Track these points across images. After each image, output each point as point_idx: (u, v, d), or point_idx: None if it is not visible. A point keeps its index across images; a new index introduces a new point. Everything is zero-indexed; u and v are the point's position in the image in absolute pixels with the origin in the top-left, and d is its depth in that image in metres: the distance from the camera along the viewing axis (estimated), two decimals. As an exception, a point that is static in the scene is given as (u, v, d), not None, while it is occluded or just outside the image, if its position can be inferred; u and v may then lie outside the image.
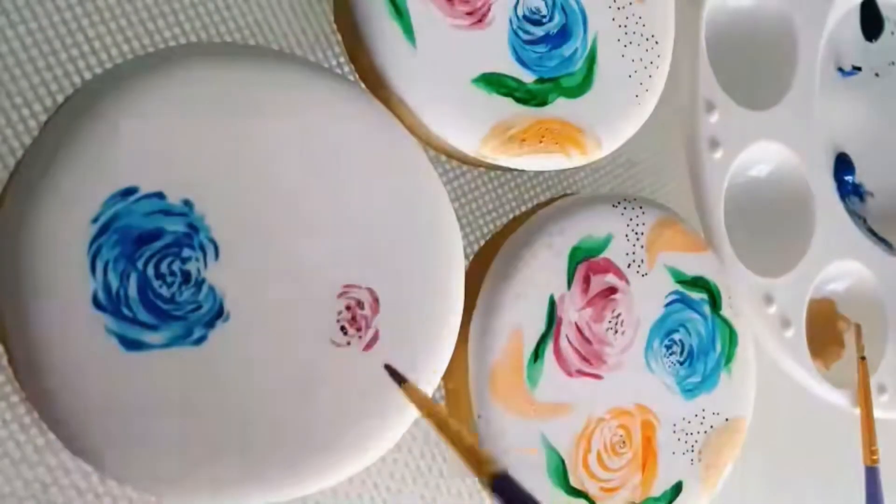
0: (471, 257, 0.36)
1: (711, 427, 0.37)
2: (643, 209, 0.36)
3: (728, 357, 0.37)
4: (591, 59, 0.35)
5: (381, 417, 0.29)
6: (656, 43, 0.36)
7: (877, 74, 0.52)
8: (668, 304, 0.36)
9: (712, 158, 0.42)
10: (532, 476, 0.33)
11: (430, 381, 0.30)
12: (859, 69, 0.51)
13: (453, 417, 0.35)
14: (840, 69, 0.51)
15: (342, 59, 0.33)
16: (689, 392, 0.36)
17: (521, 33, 0.33)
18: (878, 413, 0.43)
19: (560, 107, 0.34)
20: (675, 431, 0.36)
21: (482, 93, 0.32)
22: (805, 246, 0.45)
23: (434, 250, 0.30)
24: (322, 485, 0.28)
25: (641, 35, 0.36)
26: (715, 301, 0.37)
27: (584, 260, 0.34)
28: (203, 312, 0.26)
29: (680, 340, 0.36)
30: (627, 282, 0.35)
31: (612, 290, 0.35)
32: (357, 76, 0.33)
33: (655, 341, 0.36)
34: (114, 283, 0.25)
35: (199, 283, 0.26)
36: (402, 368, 0.29)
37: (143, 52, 0.30)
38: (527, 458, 0.33)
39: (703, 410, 0.37)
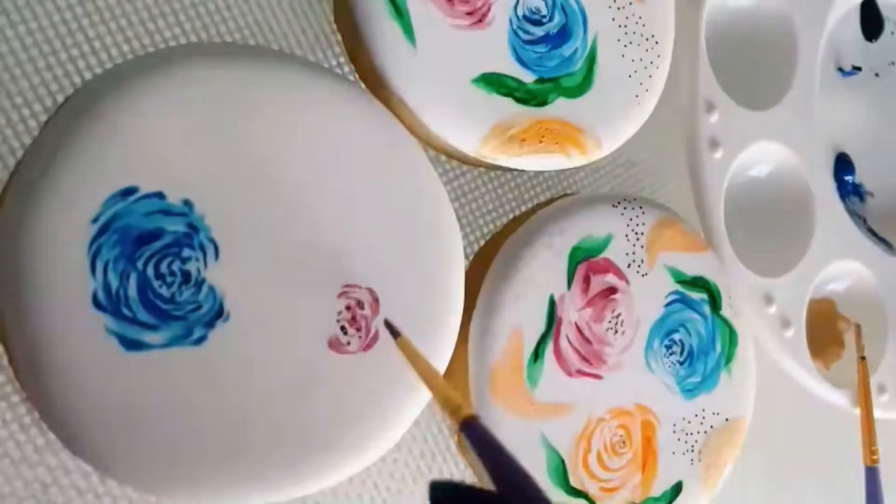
0: (471, 257, 0.36)
1: (711, 427, 0.37)
2: (643, 209, 0.36)
3: (728, 357, 0.37)
4: (591, 59, 0.35)
5: (381, 418, 0.29)
6: (656, 43, 0.36)
7: (877, 74, 0.52)
8: (668, 304, 0.36)
9: (712, 158, 0.42)
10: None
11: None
12: (859, 69, 0.51)
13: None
14: (840, 69, 0.51)
15: (342, 59, 0.33)
16: (689, 392, 0.36)
17: (521, 33, 0.33)
18: (878, 413, 0.43)
19: (560, 107, 0.34)
20: (675, 431, 0.36)
21: (482, 93, 0.32)
22: (805, 246, 0.45)
23: (434, 250, 0.30)
24: (322, 485, 0.28)
25: (641, 35, 0.36)
26: (715, 301, 0.37)
27: (584, 260, 0.34)
28: (203, 312, 0.26)
29: (680, 340, 0.36)
30: (627, 282, 0.35)
31: (612, 290, 0.35)
32: (357, 76, 0.33)
33: (655, 341, 0.36)
34: (114, 283, 0.25)
35: (199, 283, 0.26)
36: (403, 368, 0.29)
37: (143, 52, 0.30)
38: (526, 458, 0.33)
39: (703, 410, 0.37)
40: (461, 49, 0.32)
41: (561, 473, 0.33)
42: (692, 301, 0.37)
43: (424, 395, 0.30)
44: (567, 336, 0.34)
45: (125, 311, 0.25)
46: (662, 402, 0.36)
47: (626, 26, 0.36)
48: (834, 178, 0.49)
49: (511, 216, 0.37)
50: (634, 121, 0.36)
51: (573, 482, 0.34)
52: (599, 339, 0.35)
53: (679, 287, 0.36)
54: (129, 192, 0.26)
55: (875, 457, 0.41)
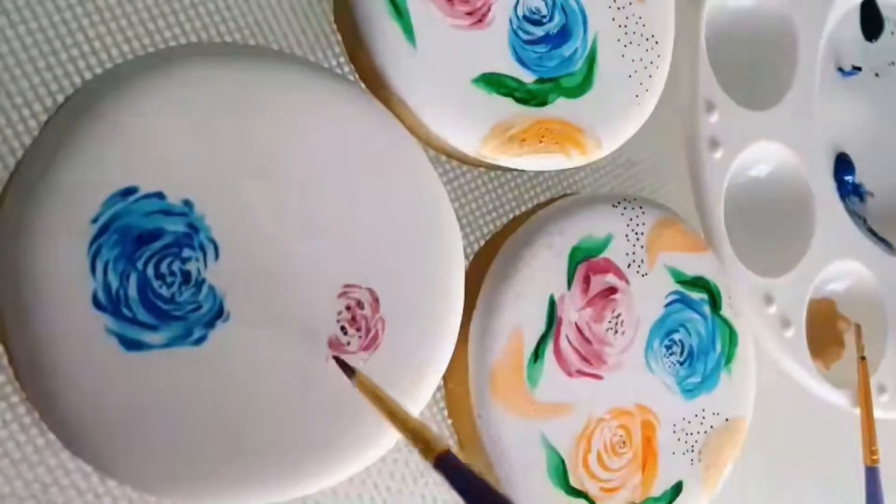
0: (471, 257, 0.36)
1: (711, 427, 0.37)
2: (643, 209, 0.36)
3: (728, 357, 0.37)
4: (591, 59, 0.35)
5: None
6: (656, 43, 0.36)
7: (877, 74, 0.52)
8: (668, 304, 0.36)
9: (712, 158, 0.42)
10: (532, 476, 0.33)
11: (430, 381, 0.30)
12: (859, 69, 0.51)
13: (453, 417, 0.35)
14: (840, 69, 0.51)
15: (342, 59, 0.33)
16: (689, 392, 0.36)
17: (521, 33, 0.33)
18: (878, 413, 0.43)
19: (560, 107, 0.34)
20: (675, 431, 0.36)
21: (482, 93, 0.32)
22: (805, 246, 0.45)
23: (434, 250, 0.30)
24: (322, 485, 0.28)
25: (641, 35, 0.36)
26: (715, 301, 0.37)
27: (584, 260, 0.34)
28: (203, 312, 0.26)
29: (680, 340, 0.36)
30: (627, 282, 0.35)
31: (612, 290, 0.35)
32: (357, 76, 0.33)
33: (655, 341, 0.36)
34: (114, 283, 0.25)
35: (199, 283, 0.26)
36: (403, 368, 0.29)
37: (143, 52, 0.30)
38: (526, 458, 0.33)
39: (703, 410, 0.37)
40: (461, 49, 0.32)
41: (561, 473, 0.33)
42: (692, 301, 0.37)
43: (425, 395, 0.30)
44: (567, 336, 0.34)
45: (125, 311, 0.25)
46: (662, 402, 0.36)
47: (626, 26, 0.36)
48: (834, 178, 0.49)
49: (511, 216, 0.37)
50: (634, 121, 0.36)
51: (573, 482, 0.34)
52: (599, 339, 0.35)
53: (679, 287, 0.36)
54: (129, 192, 0.26)
55: (875, 457, 0.41)
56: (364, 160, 0.29)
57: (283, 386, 0.27)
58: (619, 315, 0.35)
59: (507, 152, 0.33)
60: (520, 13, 0.33)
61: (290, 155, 0.28)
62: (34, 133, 0.28)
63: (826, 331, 0.47)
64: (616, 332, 0.35)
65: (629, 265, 0.35)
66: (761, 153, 0.44)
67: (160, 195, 0.26)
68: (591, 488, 0.34)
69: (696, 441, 0.36)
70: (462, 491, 0.21)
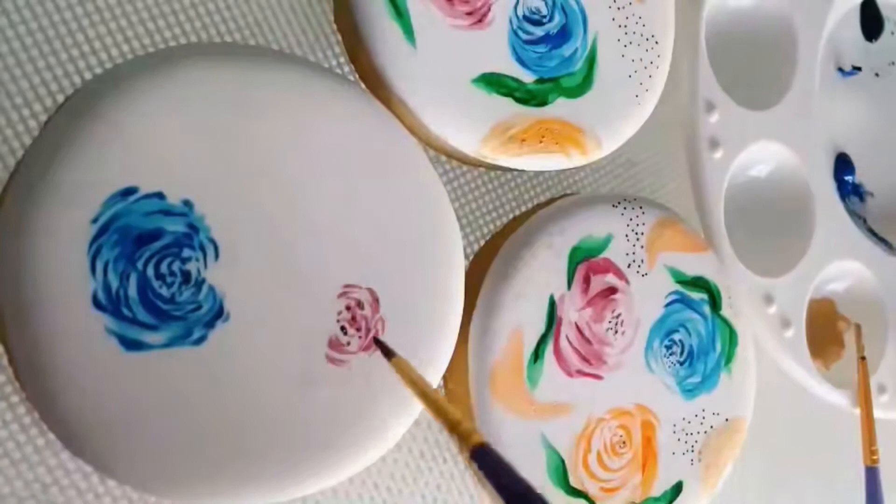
0: (471, 257, 0.36)
1: (711, 427, 0.37)
2: (643, 209, 0.36)
3: (728, 357, 0.37)
4: (591, 59, 0.35)
5: (381, 418, 0.29)
6: (656, 43, 0.36)
7: (877, 74, 0.52)
8: (668, 304, 0.36)
9: (712, 158, 0.42)
10: (532, 476, 0.33)
11: (431, 382, 0.30)
12: (859, 69, 0.51)
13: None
14: (840, 69, 0.51)
15: (342, 59, 0.33)
16: (689, 392, 0.36)
17: (521, 33, 0.33)
18: (878, 413, 0.43)
19: (560, 107, 0.34)
20: (675, 431, 0.36)
21: (482, 93, 0.32)
22: (805, 246, 0.45)
23: (434, 250, 0.30)
24: (322, 485, 0.28)
25: (641, 35, 0.36)
26: (715, 301, 0.37)
27: (584, 260, 0.34)
28: (203, 312, 0.26)
29: (680, 340, 0.36)
30: (627, 282, 0.35)
31: (612, 290, 0.35)
32: (357, 76, 0.33)
33: (655, 341, 0.36)
34: (114, 283, 0.25)
35: (199, 284, 0.26)
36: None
37: (143, 52, 0.30)
38: (526, 458, 0.33)
39: (703, 410, 0.37)
40: (461, 49, 0.32)
41: (561, 473, 0.33)
42: (692, 301, 0.37)
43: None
44: (567, 336, 0.34)
45: (125, 311, 0.25)
46: (662, 403, 0.36)
47: (626, 26, 0.36)
48: (834, 178, 0.49)
49: (511, 216, 0.37)
50: (634, 121, 0.36)
51: (573, 482, 0.34)
52: (599, 340, 0.35)
53: (679, 287, 0.36)
54: (129, 192, 0.26)
55: (875, 457, 0.41)
56: (364, 160, 0.29)
57: (283, 386, 0.27)
58: (619, 315, 0.35)
59: (507, 152, 0.33)
60: (520, 13, 0.33)
61: (290, 155, 0.28)
62: (34, 133, 0.28)
63: (826, 331, 0.47)
64: (616, 332, 0.35)
65: (629, 265, 0.35)
66: (761, 153, 0.44)
67: (160, 195, 0.26)
68: (591, 488, 0.34)
69: (696, 441, 0.36)
70: (498, 485, 0.21)
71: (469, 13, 0.32)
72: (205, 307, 0.26)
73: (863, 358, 0.44)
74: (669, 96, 0.38)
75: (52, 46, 0.28)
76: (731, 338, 0.38)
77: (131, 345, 0.25)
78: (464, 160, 0.35)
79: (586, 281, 0.34)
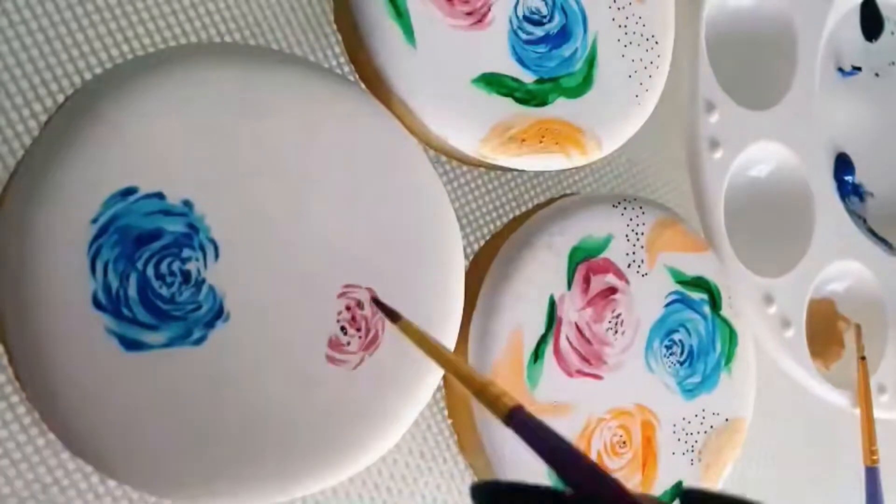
0: (471, 257, 0.36)
1: (711, 427, 0.37)
2: (643, 209, 0.36)
3: (728, 357, 0.37)
4: (591, 59, 0.35)
5: (381, 417, 0.29)
6: (656, 43, 0.36)
7: (877, 74, 0.52)
8: (668, 305, 0.36)
9: (712, 158, 0.42)
10: (532, 477, 0.33)
11: (430, 381, 0.30)
12: (859, 69, 0.51)
13: (453, 417, 0.35)
14: (840, 69, 0.51)
15: (342, 59, 0.33)
16: (689, 392, 0.36)
17: (521, 33, 0.33)
18: (878, 413, 0.43)
19: (560, 107, 0.34)
20: (675, 431, 0.36)
21: (482, 93, 0.32)
22: (805, 246, 0.45)
23: (434, 250, 0.30)
24: (322, 485, 0.28)
25: (641, 35, 0.36)
26: (715, 301, 0.37)
27: (584, 260, 0.34)
28: (203, 312, 0.26)
29: (680, 340, 0.36)
30: (627, 282, 0.35)
31: (612, 290, 0.35)
32: (357, 76, 0.33)
33: (655, 341, 0.36)
34: (114, 283, 0.25)
35: (199, 284, 0.26)
36: (403, 368, 0.29)
37: (143, 52, 0.30)
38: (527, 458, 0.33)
39: (703, 410, 0.37)
40: (461, 49, 0.32)
41: (561, 473, 0.33)
42: (692, 301, 0.37)
43: (425, 395, 0.30)
44: (567, 336, 0.34)
45: (125, 311, 0.25)
46: (662, 403, 0.36)
47: (626, 26, 0.36)
48: (834, 178, 0.49)
49: (511, 216, 0.37)
50: (634, 121, 0.36)
51: (573, 482, 0.34)
52: (599, 340, 0.35)
53: (679, 287, 0.36)
54: (128, 192, 0.26)
55: (875, 457, 0.41)
56: (364, 160, 0.29)
57: (283, 386, 0.27)
58: (619, 315, 0.35)
59: (507, 152, 0.33)
60: (520, 13, 0.33)
61: (289, 155, 0.28)
62: (34, 133, 0.28)
63: (826, 331, 0.47)
64: (616, 332, 0.35)
65: (629, 265, 0.35)
66: (761, 153, 0.44)
67: (160, 195, 0.26)
68: (591, 488, 0.34)
69: (696, 441, 0.36)
70: (539, 449, 0.19)
71: (469, 13, 0.32)
72: (205, 307, 0.26)
73: (863, 358, 0.44)
74: (669, 96, 0.38)
75: (52, 46, 0.28)
76: (731, 338, 0.38)
77: (131, 345, 0.25)
78: (464, 160, 0.35)
79: (586, 281, 0.34)
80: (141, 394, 0.26)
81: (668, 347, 0.36)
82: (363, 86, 0.33)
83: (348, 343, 0.28)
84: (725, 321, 0.37)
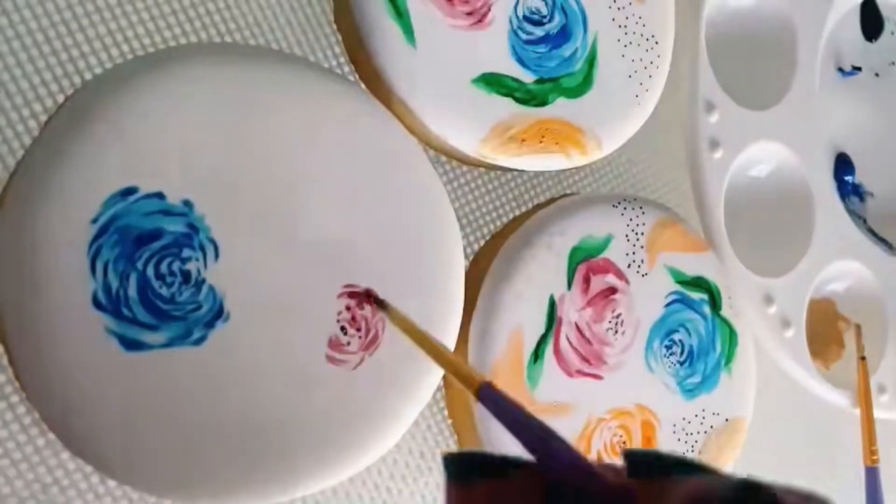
0: (471, 257, 0.36)
1: (711, 427, 0.37)
2: (643, 209, 0.36)
3: (728, 357, 0.37)
4: (591, 59, 0.35)
5: (381, 417, 0.29)
6: (656, 43, 0.36)
7: (877, 74, 0.52)
8: (668, 305, 0.36)
9: (712, 158, 0.42)
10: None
11: (430, 381, 0.30)
12: (859, 69, 0.51)
13: (453, 417, 0.35)
14: (840, 69, 0.51)
15: (342, 59, 0.33)
16: (689, 392, 0.36)
17: (521, 33, 0.33)
18: (878, 413, 0.43)
19: (560, 107, 0.34)
20: (675, 431, 0.36)
21: (482, 93, 0.32)
22: (805, 246, 0.45)
23: (434, 250, 0.30)
24: (322, 485, 0.28)
25: (641, 35, 0.36)
26: (715, 301, 0.37)
27: (584, 260, 0.34)
28: (203, 312, 0.26)
29: (680, 340, 0.36)
30: (627, 282, 0.35)
31: (612, 290, 0.35)
32: (357, 76, 0.33)
33: (655, 341, 0.36)
34: (114, 283, 0.25)
35: (199, 284, 0.26)
36: (403, 368, 0.29)
37: (143, 52, 0.30)
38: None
39: (703, 410, 0.37)
40: (461, 49, 0.32)
41: (561, 473, 0.33)
42: (692, 301, 0.37)
43: (425, 395, 0.30)
44: (567, 336, 0.34)
45: (125, 311, 0.25)
46: (662, 403, 0.36)
47: (626, 26, 0.36)
48: (834, 178, 0.49)
49: (511, 216, 0.37)
50: (634, 121, 0.36)
51: (573, 482, 0.34)
52: (599, 340, 0.35)
53: (679, 287, 0.36)
54: (129, 192, 0.26)
55: (875, 457, 0.41)
56: (364, 160, 0.29)
57: (283, 386, 0.27)
58: (619, 315, 0.35)
59: (507, 152, 0.33)
60: (520, 13, 0.33)
61: (289, 155, 0.28)
62: (34, 133, 0.28)
63: (826, 331, 0.47)
64: (616, 332, 0.35)
65: (629, 265, 0.35)
66: (761, 153, 0.44)
67: (160, 195, 0.26)
68: (591, 488, 0.34)
69: (696, 441, 0.36)
70: (504, 421, 0.21)
71: (469, 13, 0.32)
72: (205, 307, 0.26)
73: (863, 358, 0.44)
74: (669, 96, 0.38)
75: (52, 46, 0.28)
76: (731, 338, 0.38)
77: (131, 345, 0.25)
78: (464, 160, 0.35)
79: (586, 281, 0.34)
80: (141, 394, 0.26)
81: (668, 347, 0.36)
82: (363, 86, 0.33)
83: (348, 343, 0.28)
84: (725, 321, 0.37)
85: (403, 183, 0.30)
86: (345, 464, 0.28)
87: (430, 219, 0.30)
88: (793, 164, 0.45)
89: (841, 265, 0.46)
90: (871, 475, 0.41)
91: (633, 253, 0.35)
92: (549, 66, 0.34)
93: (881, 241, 0.50)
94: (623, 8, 0.36)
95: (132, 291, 0.26)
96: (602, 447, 0.34)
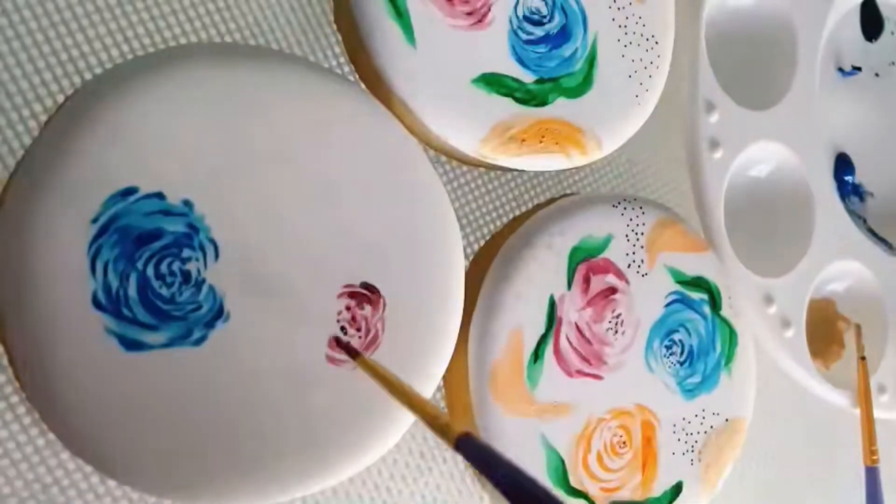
0: (471, 257, 0.36)
1: (711, 427, 0.37)
2: (643, 209, 0.36)
3: (728, 357, 0.37)
4: (591, 59, 0.35)
5: (381, 417, 0.29)
6: (656, 43, 0.36)
7: (877, 74, 0.52)
8: (668, 305, 0.36)
9: (712, 158, 0.42)
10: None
11: (430, 382, 0.30)
12: (859, 69, 0.51)
13: (454, 418, 0.35)
14: (840, 69, 0.51)
15: (342, 59, 0.33)
16: (689, 392, 0.36)
17: (521, 33, 0.33)
18: (878, 413, 0.43)
19: (560, 107, 0.34)
20: (675, 431, 0.36)
21: (482, 93, 0.32)
22: (805, 246, 0.45)
23: (434, 250, 0.30)
24: (322, 485, 0.28)
25: (641, 35, 0.36)
26: (715, 301, 0.37)
27: (584, 260, 0.34)
28: (203, 313, 0.26)
29: (680, 340, 0.36)
30: (627, 282, 0.35)
31: (612, 290, 0.35)
32: (357, 76, 0.33)
33: (655, 341, 0.36)
34: (114, 283, 0.25)
35: (199, 284, 0.26)
36: (403, 368, 0.29)
37: (143, 52, 0.30)
38: (526, 458, 0.33)
39: (703, 410, 0.37)
40: (461, 49, 0.32)
41: (561, 474, 0.33)
42: (692, 301, 0.37)
43: (425, 395, 0.30)
44: (567, 336, 0.34)
45: (125, 311, 0.25)
46: (662, 403, 0.36)
47: (626, 26, 0.36)
48: (834, 178, 0.49)
49: (511, 216, 0.37)
50: (634, 121, 0.36)
51: (573, 482, 0.34)
52: (599, 340, 0.35)
53: (679, 287, 0.36)
54: (129, 192, 0.26)
55: (875, 457, 0.41)
56: (364, 160, 0.29)
57: (283, 386, 0.27)
58: (619, 315, 0.35)
59: (507, 152, 0.33)
60: (520, 13, 0.33)
61: (289, 155, 0.28)
62: (34, 133, 0.28)
63: (826, 331, 0.47)
64: (616, 332, 0.35)
65: (629, 265, 0.35)
66: (761, 153, 0.44)
67: (160, 195, 0.26)
68: (591, 488, 0.34)
69: (696, 441, 0.36)
70: (486, 471, 0.21)
71: (469, 13, 0.32)
72: (205, 307, 0.26)
73: (863, 358, 0.44)
74: (669, 96, 0.38)
75: (52, 46, 0.28)
76: (731, 338, 0.38)
77: (131, 345, 0.25)
78: (464, 160, 0.35)
79: (586, 281, 0.34)
80: (141, 394, 0.26)
81: (668, 347, 0.36)
82: (363, 86, 0.33)
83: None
84: (725, 321, 0.37)
85: (403, 183, 0.30)
86: (345, 464, 0.28)
87: (430, 219, 0.30)
88: (793, 164, 0.45)
89: (841, 265, 0.46)
90: (871, 475, 0.41)
91: (633, 253, 0.35)
92: (549, 66, 0.34)
93: (881, 241, 0.50)
94: (623, 8, 0.36)
95: (132, 291, 0.26)
96: (602, 447, 0.34)
